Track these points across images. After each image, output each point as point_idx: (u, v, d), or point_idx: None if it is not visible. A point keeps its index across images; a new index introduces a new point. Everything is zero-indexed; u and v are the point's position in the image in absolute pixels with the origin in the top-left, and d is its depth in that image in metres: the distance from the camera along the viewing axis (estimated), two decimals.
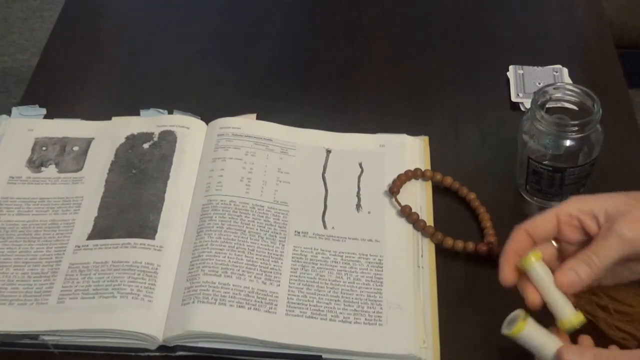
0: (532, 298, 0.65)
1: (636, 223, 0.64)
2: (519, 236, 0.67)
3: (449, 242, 0.82)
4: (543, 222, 0.67)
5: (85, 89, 1.03)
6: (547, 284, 0.65)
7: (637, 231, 0.63)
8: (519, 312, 0.64)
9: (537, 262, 0.65)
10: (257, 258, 0.80)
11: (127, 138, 0.92)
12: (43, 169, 0.90)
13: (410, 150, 0.92)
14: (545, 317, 0.65)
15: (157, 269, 0.79)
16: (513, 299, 0.71)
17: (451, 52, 1.08)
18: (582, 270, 0.64)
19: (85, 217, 0.84)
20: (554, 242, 0.68)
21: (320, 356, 0.74)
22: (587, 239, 0.66)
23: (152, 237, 0.81)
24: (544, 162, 0.83)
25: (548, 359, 0.63)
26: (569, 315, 0.64)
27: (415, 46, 1.09)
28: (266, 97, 1.00)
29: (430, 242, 0.83)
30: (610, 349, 0.64)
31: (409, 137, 0.93)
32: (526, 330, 0.63)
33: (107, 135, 0.93)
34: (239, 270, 0.79)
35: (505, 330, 0.64)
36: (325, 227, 0.84)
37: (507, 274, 0.66)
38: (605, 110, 0.81)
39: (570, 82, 0.98)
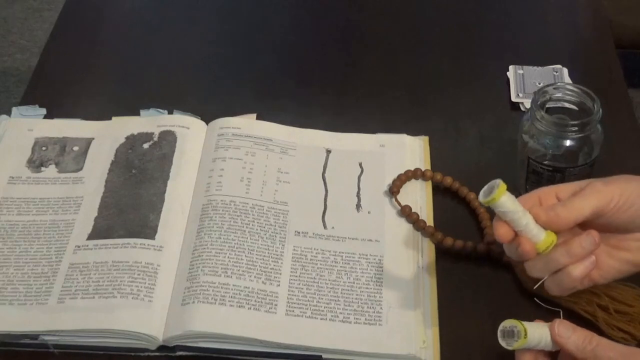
0: (503, 231, 0.67)
1: (609, 182, 0.68)
2: None
3: (449, 242, 0.82)
4: (526, 197, 0.70)
5: (85, 89, 1.03)
6: (518, 213, 0.66)
7: (610, 186, 0.67)
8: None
9: (504, 195, 0.66)
10: (257, 258, 0.80)
11: (127, 138, 0.92)
12: (43, 169, 0.90)
13: (410, 150, 0.92)
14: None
15: (157, 269, 0.79)
16: (513, 298, 0.71)
17: (451, 52, 1.08)
18: (560, 208, 0.67)
19: (85, 217, 0.84)
20: None
21: (320, 356, 0.74)
22: None
23: (152, 237, 0.81)
24: (544, 162, 0.83)
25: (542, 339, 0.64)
26: (543, 236, 0.67)
27: (415, 46, 1.09)
28: (266, 97, 1.00)
29: (430, 242, 0.83)
30: (603, 337, 0.65)
31: (409, 137, 0.93)
32: (529, 337, 0.64)
33: (107, 135, 0.93)
34: (239, 270, 0.79)
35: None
36: (325, 227, 0.84)
37: (503, 229, 0.67)
38: (605, 110, 0.81)
39: (570, 82, 0.98)
